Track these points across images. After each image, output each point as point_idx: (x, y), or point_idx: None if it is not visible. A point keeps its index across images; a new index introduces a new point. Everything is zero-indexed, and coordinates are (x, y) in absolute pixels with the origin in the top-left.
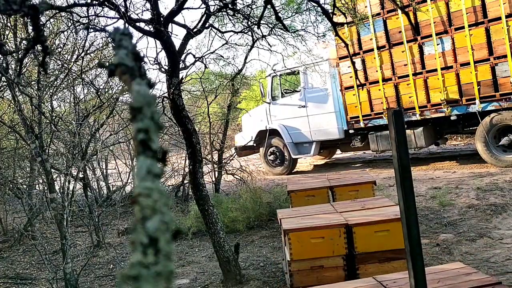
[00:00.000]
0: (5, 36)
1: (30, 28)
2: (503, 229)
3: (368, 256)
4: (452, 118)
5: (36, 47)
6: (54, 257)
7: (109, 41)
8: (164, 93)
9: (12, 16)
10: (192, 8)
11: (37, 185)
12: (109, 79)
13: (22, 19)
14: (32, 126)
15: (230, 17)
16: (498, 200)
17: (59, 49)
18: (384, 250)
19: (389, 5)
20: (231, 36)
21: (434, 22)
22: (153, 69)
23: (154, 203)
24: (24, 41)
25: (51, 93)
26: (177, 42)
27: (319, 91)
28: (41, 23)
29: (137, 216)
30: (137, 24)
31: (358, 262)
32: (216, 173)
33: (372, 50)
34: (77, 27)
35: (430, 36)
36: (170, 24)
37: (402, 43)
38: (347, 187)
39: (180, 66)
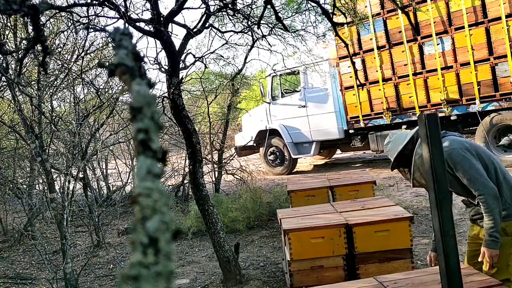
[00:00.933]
0: (5, 36)
1: (30, 28)
2: None
3: (368, 256)
4: (452, 118)
5: (36, 47)
6: (54, 257)
7: (109, 41)
8: (164, 93)
9: (12, 16)
10: (192, 8)
11: (37, 185)
12: (109, 79)
13: (22, 19)
14: (32, 126)
15: (230, 17)
16: None
17: (59, 49)
18: (384, 250)
19: (389, 5)
20: (231, 36)
21: (434, 22)
22: (153, 69)
23: (154, 203)
24: (24, 41)
25: (51, 93)
26: (177, 42)
27: (319, 91)
28: (41, 23)
29: (137, 216)
30: (137, 24)
31: (358, 262)
32: (216, 173)
33: (372, 50)
34: (77, 27)
35: (430, 36)
36: (170, 24)
37: (402, 43)
38: (347, 187)
39: (180, 66)
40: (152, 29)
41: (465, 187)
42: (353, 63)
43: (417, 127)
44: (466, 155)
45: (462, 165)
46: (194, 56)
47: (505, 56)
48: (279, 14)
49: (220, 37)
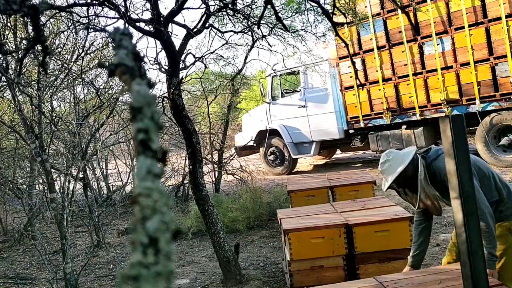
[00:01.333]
0: (5, 36)
1: (30, 28)
2: None
3: (368, 256)
4: None
5: (36, 47)
6: (54, 257)
7: (109, 41)
8: (164, 93)
9: (12, 16)
10: (192, 8)
11: (37, 185)
12: (109, 79)
13: (22, 19)
14: (32, 126)
15: (230, 17)
16: None
17: (59, 49)
18: (384, 250)
19: (389, 5)
20: (231, 36)
21: (434, 22)
22: (153, 69)
23: (154, 203)
24: (24, 41)
25: (51, 93)
26: (177, 42)
27: (319, 91)
28: (41, 23)
29: (137, 216)
30: (137, 24)
31: (358, 262)
32: (216, 173)
33: (372, 50)
34: (77, 27)
35: (430, 36)
36: (170, 24)
37: (402, 43)
38: (347, 187)
39: (180, 66)
40: (152, 29)
41: None
42: (353, 63)
43: (414, 146)
44: None
45: None
46: (194, 56)
47: (505, 56)
48: (279, 14)
49: (220, 37)
